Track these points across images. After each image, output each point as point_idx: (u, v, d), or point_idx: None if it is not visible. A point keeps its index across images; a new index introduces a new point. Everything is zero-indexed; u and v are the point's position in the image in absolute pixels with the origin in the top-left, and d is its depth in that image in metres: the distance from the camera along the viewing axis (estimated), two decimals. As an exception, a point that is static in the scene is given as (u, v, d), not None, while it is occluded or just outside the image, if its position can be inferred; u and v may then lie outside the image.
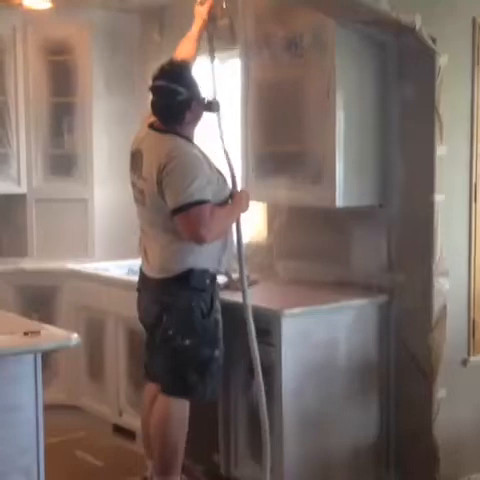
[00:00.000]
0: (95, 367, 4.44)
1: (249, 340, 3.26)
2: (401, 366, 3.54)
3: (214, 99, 3.37)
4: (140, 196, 3.28)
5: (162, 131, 3.26)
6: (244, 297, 3.30)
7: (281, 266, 4.05)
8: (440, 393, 3.41)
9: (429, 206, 3.38)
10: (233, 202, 3.33)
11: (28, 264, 4.75)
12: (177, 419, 3.28)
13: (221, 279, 3.70)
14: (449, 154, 3.38)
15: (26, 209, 4.95)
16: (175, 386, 3.27)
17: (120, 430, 4.27)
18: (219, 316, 3.31)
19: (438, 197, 3.38)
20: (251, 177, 3.77)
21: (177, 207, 3.10)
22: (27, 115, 4.85)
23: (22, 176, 4.88)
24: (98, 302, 4.33)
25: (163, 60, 4.62)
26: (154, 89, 3.28)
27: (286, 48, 3.52)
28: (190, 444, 3.51)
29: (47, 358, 2.91)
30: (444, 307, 3.41)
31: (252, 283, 3.81)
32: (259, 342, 3.34)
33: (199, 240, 3.12)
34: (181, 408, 3.29)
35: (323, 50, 3.37)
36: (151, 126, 3.32)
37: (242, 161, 3.82)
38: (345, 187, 3.41)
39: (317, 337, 3.36)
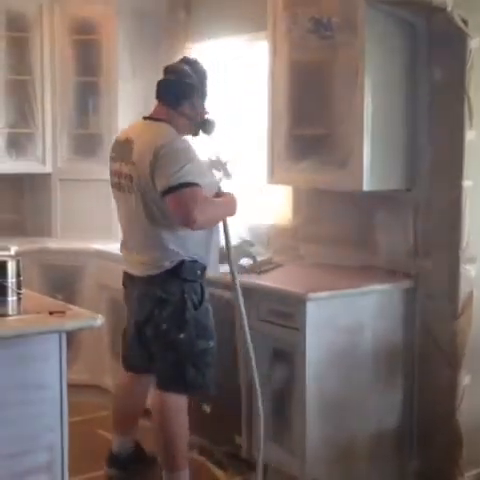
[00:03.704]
0: (118, 347, 4.45)
1: (244, 335, 3.29)
2: (426, 352, 3.52)
3: (212, 121, 3.35)
4: (127, 182, 3.20)
5: (156, 120, 3.26)
6: (236, 295, 3.29)
7: (306, 249, 4.03)
8: (465, 380, 3.38)
9: (457, 191, 3.34)
10: (223, 199, 3.28)
11: (52, 244, 4.77)
12: (176, 411, 3.24)
13: (246, 261, 3.70)
14: (479, 139, 3.33)
15: (51, 189, 4.96)
16: (173, 381, 3.22)
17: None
18: (209, 305, 3.27)
19: (466, 182, 3.34)
20: (277, 160, 3.74)
21: (171, 186, 3.02)
22: (53, 95, 4.85)
23: (47, 156, 4.88)
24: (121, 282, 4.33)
25: (189, 39, 4.68)
26: (166, 68, 3.32)
27: (314, 29, 3.47)
28: (212, 426, 3.52)
29: (70, 338, 2.91)
30: (470, 294, 3.38)
31: (276, 266, 3.81)
32: (283, 325, 3.35)
33: (190, 222, 3.02)
34: (179, 400, 3.25)
35: (352, 31, 3.33)
36: (144, 118, 3.34)
37: (268, 144, 3.80)
38: (372, 171, 3.37)
39: (341, 321, 3.35)
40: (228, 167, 3.51)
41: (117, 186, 3.31)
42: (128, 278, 3.36)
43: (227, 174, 3.51)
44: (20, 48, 4.80)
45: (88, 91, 4.90)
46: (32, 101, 4.81)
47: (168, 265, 3.16)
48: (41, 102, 4.83)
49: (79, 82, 4.90)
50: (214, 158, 3.54)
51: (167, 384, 3.24)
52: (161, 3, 4.89)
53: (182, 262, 3.16)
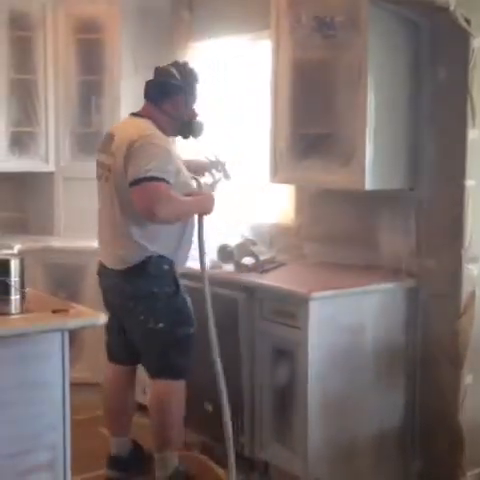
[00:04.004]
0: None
1: (209, 333, 3.31)
2: (428, 351, 3.51)
3: (200, 122, 3.44)
4: (105, 173, 3.33)
5: (139, 116, 3.39)
6: (206, 294, 3.33)
7: (308, 248, 4.03)
8: (467, 379, 3.38)
9: (460, 191, 3.34)
10: (195, 198, 3.35)
11: (55, 242, 4.78)
12: (175, 400, 3.36)
13: (249, 260, 3.71)
14: (481, 138, 3.34)
15: (53, 187, 4.98)
16: (162, 369, 3.35)
17: (144, 408, 4.28)
18: (186, 295, 3.36)
19: (469, 182, 3.34)
20: (280, 159, 3.74)
21: (137, 178, 3.12)
22: (56, 93, 4.86)
23: (50, 154, 4.90)
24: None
25: (192, 38, 4.69)
26: (155, 69, 3.45)
27: (318, 28, 3.47)
28: (215, 425, 3.52)
29: (73, 337, 2.91)
30: (472, 293, 3.38)
31: (278, 265, 3.81)
32: (285, 325, 3.35)
33: (151, 215, 3.12)
34: (178, 389, 3.36)
35: (355, 30, 3.32)
36: (130, 114, 3.47)
37: (270, 143, 3.79)
38: (375, 170, 3.37)
39: (344, 321, 3.34)
40: (227, 167, 3.55)
41: (99, 177, 3.40)
42: (102, 267, 3.44)
43: (226, 175, 3.56)
44: (23, 47, 4.80)
45: (91, 90, 4.90)
46: (35, 100, 4.82)
47: (135, 261, 3.26)
48: (44, 101, 4.84)
49: (82, 81, 4.90)
50: (213, 159, 3.57)
51: (157, 372, 3.36)
52: (164, 2, 4.89)
53: (149, 258, 3.25)
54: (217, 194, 3.48)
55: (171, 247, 3.30)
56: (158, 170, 3.12)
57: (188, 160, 3.60)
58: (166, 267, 3.29)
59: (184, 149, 4.27)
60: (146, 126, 3.30)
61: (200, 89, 3.47)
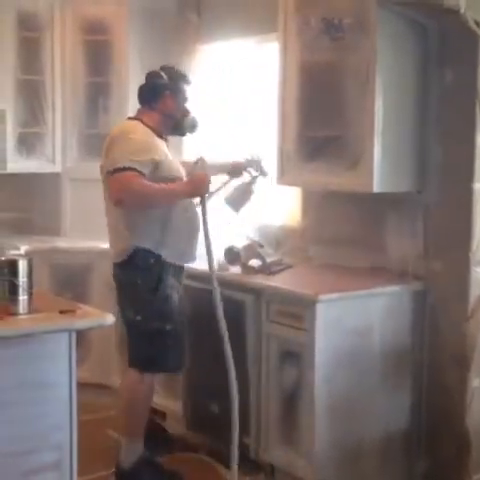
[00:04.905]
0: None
1: (220, 328, 3.29)
2: (435, 355, 3.51)
3: (193, 118, 3.55)
4: (101, 173, 3.47)
5: (131, 118, 3.55)
6: (213, 284, 3.31)
7: (315, 251, 4.02)
8: (474, 382, 3.37)
9: (468, 194, 3.34)
10: (175, 183, 3.41)
11: (62, 243, 4.78)
12: (142, 390, 3.48)
13: (255, 262, 3.70)
14: (490, 141, 3.33)
15: (60, 188, 4.99)
16: (133, 359, 3.49)
17: (151, 410, 4.28)
18: (171, 292, 3.44)
19: (477, 185, 3.34)
20: (287, 162, 3.74)
21: (110, 170, 3.28)
22: (63, 94, 4.87)
23: (57, 155, 4.91)
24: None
25: (199, 40, 4.69)
26: (146, 74, 3.57)
27: (326, 30, 3.47)
28: (220, 426, 3.52)
29: (80, 337, 2.91)
30: (480, 296, 3.38)
31: (286, 267, 3.80)
32: (292, 327, 3.35)
33: (117, 203, 3.28)
34: (146, 380, 3.48)
35: (364, 32, 3.32)
36: (127, 118, 3.63)
37: (277, 146, 3.79)
38: (382, 172, 3.37)
39: (351, 323, 3.34)
40: (263, 165, 3.70)
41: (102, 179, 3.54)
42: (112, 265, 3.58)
43: (263, 172, 3.71)
44: (31, 48, 4.81)
45: (98, 91, 4.91)
46: (42, 101, 4.83)
47: (125, 254, 3.40)
48: (51, 102, 4.85)
49: (89, 82, 4.91)
50: (250, 157, 3.65)
51: (130, 362, 3.49)
52: (171, 4, 4.89)
53: (137, 251, 3.37)
54: (255, 192, 3.64)
55: (154, 238, 3.37)
56: (129, 160, 3.24)
57: (185, 162, 3.67)
58: (152, 261, 3.38)
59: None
60: (131, 124, 3.45)
61: (190, 90, 3.58)
